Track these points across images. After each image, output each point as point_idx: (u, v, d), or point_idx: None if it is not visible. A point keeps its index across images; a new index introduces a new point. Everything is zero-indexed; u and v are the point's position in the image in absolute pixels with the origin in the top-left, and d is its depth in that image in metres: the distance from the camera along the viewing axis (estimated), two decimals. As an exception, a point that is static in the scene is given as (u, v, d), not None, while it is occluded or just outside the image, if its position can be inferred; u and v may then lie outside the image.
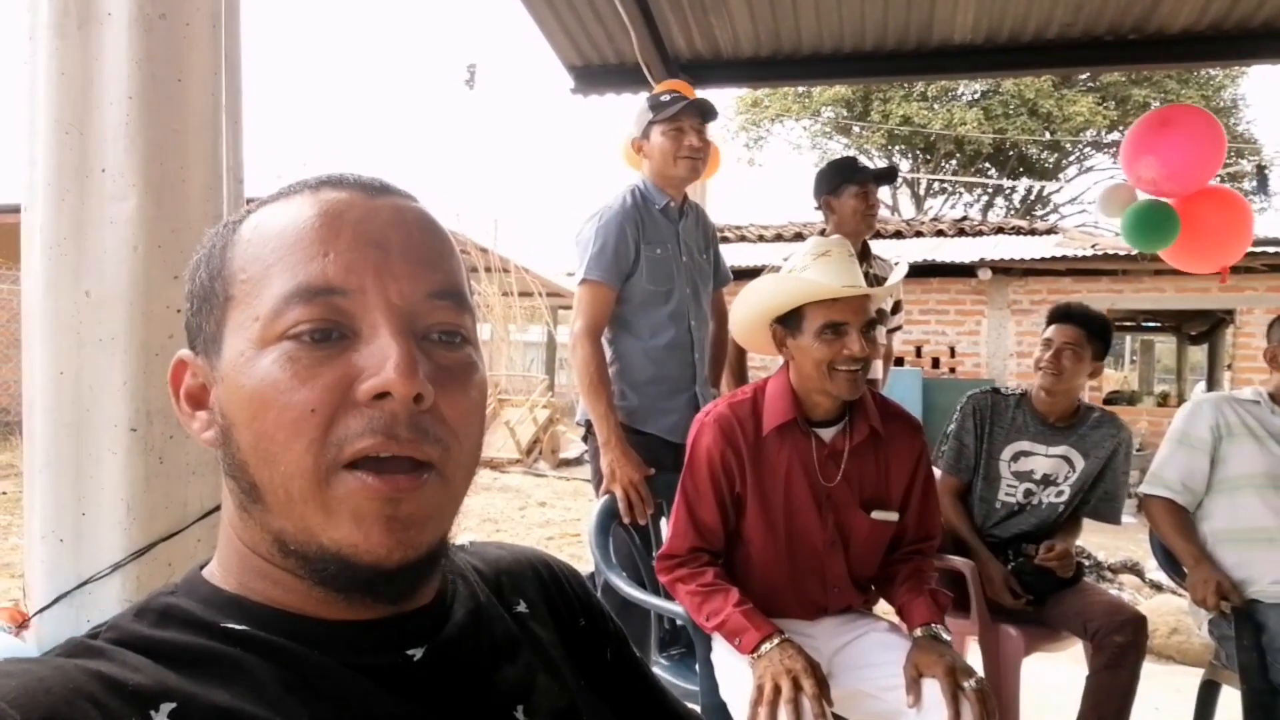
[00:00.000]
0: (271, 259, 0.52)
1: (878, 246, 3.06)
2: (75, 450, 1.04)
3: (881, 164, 18.90)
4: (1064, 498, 2.39)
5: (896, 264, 2.12)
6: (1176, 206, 3.37)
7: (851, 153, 18.45)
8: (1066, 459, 2.38)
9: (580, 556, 5.23)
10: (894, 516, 1.79)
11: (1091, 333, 2.33)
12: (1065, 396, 2.37)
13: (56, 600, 1.04)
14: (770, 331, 1.78)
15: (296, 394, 0.49)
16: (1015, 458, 2.41)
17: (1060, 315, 2.38)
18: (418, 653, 0.55)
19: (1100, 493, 2.39)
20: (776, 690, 1.47)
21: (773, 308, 1.75)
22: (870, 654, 1.70)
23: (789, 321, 1.73)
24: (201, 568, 0.57)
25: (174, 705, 0.45)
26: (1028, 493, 2.40)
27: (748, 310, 1.82)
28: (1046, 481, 2.40)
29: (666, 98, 2.37)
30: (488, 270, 12.54)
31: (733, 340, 2.85)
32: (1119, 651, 2.04)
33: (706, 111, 2.37)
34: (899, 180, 18.75)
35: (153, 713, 0.45)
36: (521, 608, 0.67)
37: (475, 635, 0.60)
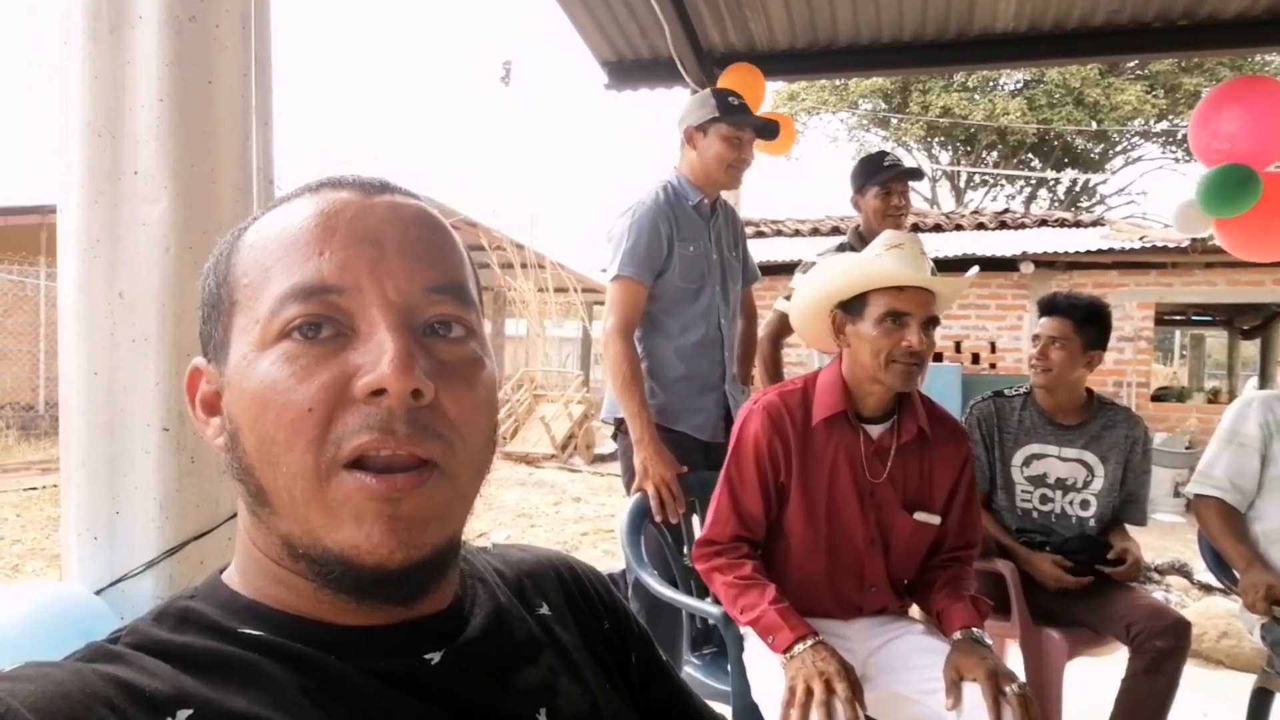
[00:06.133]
0: (270, 262, 0.52)
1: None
2: (110, 449, 1.06)
3: (919, 157, 18.63)
4: (1091, 510, 2.30)
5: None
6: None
7: (887, 146, 18.17)
8: (1083, 463, 2.30)
9: (614, 552, 5.24)
10: (936, 520, 1.76)
11: (1079, 322, 2.25)
12: (1067, 392, 2.30)
13: (92, 597, 1.06)
14: (830, 317, 1.76)
15: (294, 394, 0.49)
16: (1028, 461, 2.34)
17: (1045, 308, 2.31)
18: (435, 656, 0.55)
19: (1124, 494, 2.31)
20: (809, 693, 1.44)
21: (838, 290, 1.73)
22: (907, 656, 1.67)
23: (852, 307, 1.71)
24: (222, 571, 0.57)
25: (191, 711, 0.45)
26: (1044, 498, 2.33)
27: (812, 292, 1.80)
28: (1062, 486, 2.31)
29: (735, 101, 2.34)
30: (524, 266, 12.62)
31: (766, 337, 2.82)
32: (1158, 656, 1.97)
33: (772, 133, 2.38)
34: (939, 174, 18.44)
35: (169, 719, 0.45)
36: (544, 610, 0.67)
37: (495, 638, 0.59)
